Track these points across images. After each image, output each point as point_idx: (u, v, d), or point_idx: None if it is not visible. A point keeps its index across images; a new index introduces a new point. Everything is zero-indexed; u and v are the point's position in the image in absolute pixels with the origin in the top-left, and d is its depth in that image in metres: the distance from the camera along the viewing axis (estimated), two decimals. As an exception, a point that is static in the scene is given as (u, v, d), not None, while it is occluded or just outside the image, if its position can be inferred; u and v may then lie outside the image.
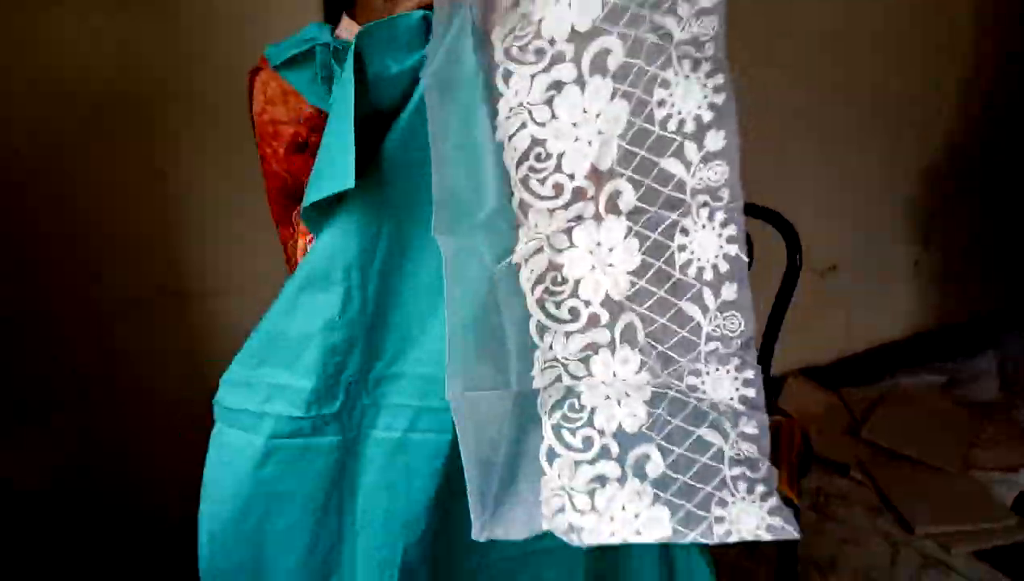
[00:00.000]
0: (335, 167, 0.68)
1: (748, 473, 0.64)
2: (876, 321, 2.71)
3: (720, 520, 0.64)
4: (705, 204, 0.63)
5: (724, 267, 0.64)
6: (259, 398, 0.80)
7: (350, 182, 0.68)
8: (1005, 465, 2.20)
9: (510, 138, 0.65)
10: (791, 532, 0.64)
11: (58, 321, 1.49)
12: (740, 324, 0.65)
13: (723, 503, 0.64)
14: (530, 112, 0.64)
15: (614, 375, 0.65)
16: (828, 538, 1.94)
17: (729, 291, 0.64)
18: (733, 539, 0.64)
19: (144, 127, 1.47)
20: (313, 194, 0.71)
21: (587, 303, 0.67)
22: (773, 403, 2.10)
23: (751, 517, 0.64)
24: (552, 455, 0.67)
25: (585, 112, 0.64)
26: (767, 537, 0.63)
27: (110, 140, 1.44)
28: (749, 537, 0.64)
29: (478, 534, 0.66)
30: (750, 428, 0.64)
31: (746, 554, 1.87)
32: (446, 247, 0.66)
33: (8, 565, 1.55)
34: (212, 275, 1.60)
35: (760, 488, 0.65)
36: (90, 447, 1.58)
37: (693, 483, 0.65)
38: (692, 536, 0.64)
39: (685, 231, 0.64)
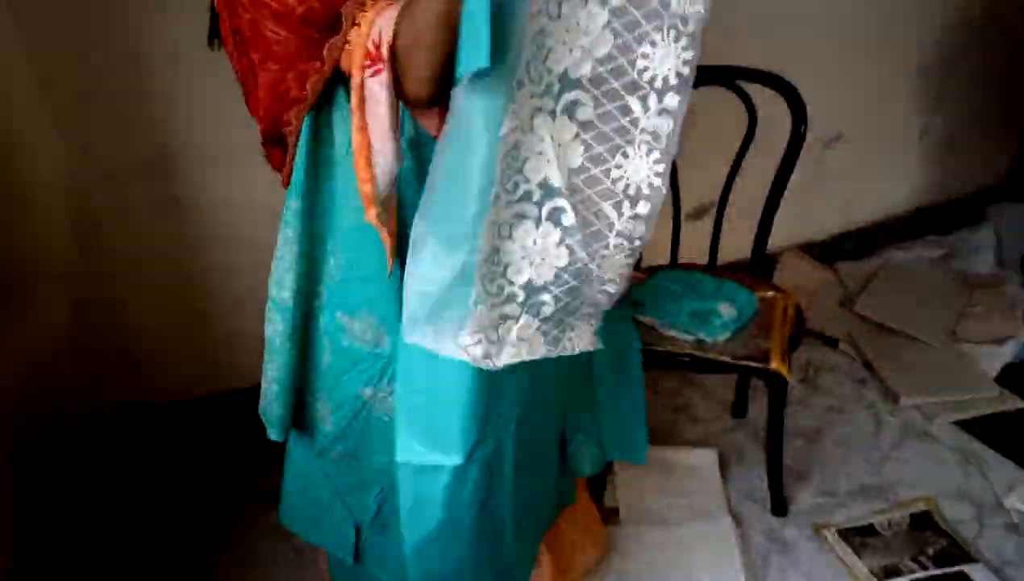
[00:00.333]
0: (473, 42, 0.73)
1: (594, 314, 0.92)
2: (878, 195, 2.66)
3: (571, 340, 0.93)
4: (647, 143, 0.80)
5: (646, 191, 0.82)
6: None
7: (484, 61, 0.73)
8: (993, 337, 2.22)
9: (531, 20, 0.75)
10: (600, 345, 0.95)
11: (40, 196, 1.44)
12: (642, 231, 0.84)
13: (574, 329, 0.92)
14: (547, 4, 0.75)
15: (534, 243, 0.84)
16: (814, 409, 1.98)
17: (643, 208, 0.83)
18: (577, 350, 0.94)
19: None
20: (461, 69, 0.76)
21: (526, 180, 0.81)
22: (767, 278, 2.09)
23: (584, 339, 0.94)
24: (477, 302, 0.84)
25: (578, 25, 0.76)
26: (591, 348, 0.94)
27: (87, 8, 1.34)
28: (585, 349, 0.94)
29: (406, 338, 0.88)
30: (612, 288, 0.88)
31: (736, 426, 1.92)
32: (457, 109, 0.77)
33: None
34: (196, 145, 1.53)
35: (594, 321, 0.94)
36: (76, 322, 1.57)
37: (563, 318, 0.90)
38: (553, 352, 0.91)
39: (626, 155, 0.81)
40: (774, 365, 1.47)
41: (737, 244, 1.80)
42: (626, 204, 0.83)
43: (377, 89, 0.83)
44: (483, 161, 0.78)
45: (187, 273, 1.63)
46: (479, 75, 0.75)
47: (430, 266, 0.83)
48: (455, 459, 0.96)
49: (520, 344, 0.88)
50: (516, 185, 0.81)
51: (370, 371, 1.04)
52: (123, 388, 1.69)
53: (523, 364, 0.91)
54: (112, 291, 1.58)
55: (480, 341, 0.85)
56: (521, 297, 0.86)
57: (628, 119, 0.79)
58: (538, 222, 0.83)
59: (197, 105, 1.50)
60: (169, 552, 1.60)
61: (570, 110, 0.79)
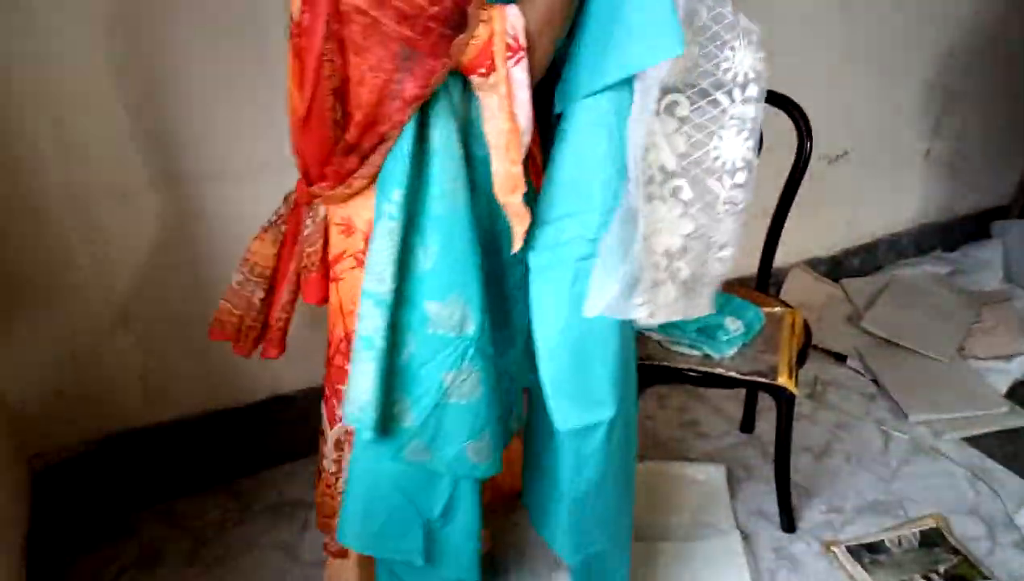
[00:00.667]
0: (653, 32, 0.90)
1: (713, 282, 1.06)
2: (884, 211, 2.67)
3: (698, 306, 1.06)
4: (736, 126, 0.97)
5: (740, 164, 0.99)
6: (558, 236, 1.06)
7: (679, 49, 0.89)
8: (1001, 354, 2.22)
9: None
10: (714, 309, 1.08)
11: (46, 210, 1.45)
12: (743, 197, 1.00)
13: (700, 295, 1.06)
14: None
15: (664, 217, 1.01)
16: (822, 425, 1.98)
17: (739, 177, 0.99)
18: (701, 314, 1.07)
19: (130, 8, 1.38)
20: (640, 60, 0.93)
21: (649, 166, 0.98)
22: (774, 294, 2.09)
23: (705, 303, 1.06)
24: (642, 269, 1.01)
25: None
26: (708, 312, 1.07)
27: (94, 27, 1.35)
28: (704, 313, 1.07)
29: (588, 313, 1.03)
30: (726, 254, 1.04)
31: (743, 441, 1.92)
32: (608, 104, 0.97)
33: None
34: (206, 159, 1.54)
35: (713, 290, 1.07)
36: (85, 336, 1.58)
37: (694, 286, 1.05)
38: (688, 315, 1.05)
39: (720, 137, 0.98)
40: (781, 380, 1.47)
41: (743, 260, 1.78)
42: (726, 177, 1.00)
43: (521, 75, 0.95)
44: (636, 148, 0.96)
45: (196, 287, 1.64)
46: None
47: (612, 244, 1.00)
48: (608, 412, 1.10)
49: (668, 307, 1.04)
50: (646, 172, 0.99)
51: (452, 356, 1.07)
52: (129, 404, 1.69)
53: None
54: (121, 305, 1.59)
55: (645, 303, 1.02)
56: (664, 264, 1.03)
57: (718, 110, 0.97)
58: (664, 199, 1.01)
59: (207, 120, 1.51)
60: (172, 571, 1.60)
61: (670, 109, 0.98)
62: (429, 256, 1.03)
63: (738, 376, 1.48)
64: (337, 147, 1.02)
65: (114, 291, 1.57)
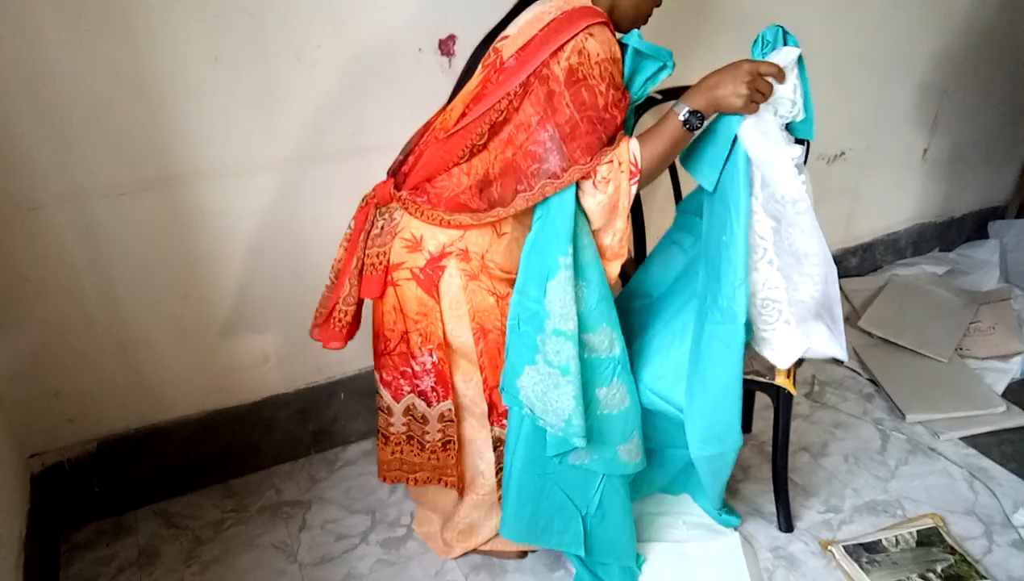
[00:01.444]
0: (708, 168, 1.24)
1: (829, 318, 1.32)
2: (882, 211, 2.67)
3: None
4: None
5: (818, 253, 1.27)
6: None
7: (710, 189, 1.25)
8: (998, 354, 2.22)
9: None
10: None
11: (44, 210, 1.45)
12: (803, 238, 1.25)
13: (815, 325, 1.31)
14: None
15: (765, 276, 1.28)
16: (820, 425, 1.98)
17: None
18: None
19: (124, 7, 1.38)
20: (695, 171, 1.28)
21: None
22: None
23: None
24: (783, 322, 1.31)
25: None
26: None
27: (89, 25, 1.36)
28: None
29: (842, 357, 1.32)
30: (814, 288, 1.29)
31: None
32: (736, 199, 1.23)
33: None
34: (205, 159, 1.54)
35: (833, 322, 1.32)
36: (80, 339, 1.58)
37: (808, 317, 1.30)
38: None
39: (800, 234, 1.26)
40: (779, 380, 1.47)
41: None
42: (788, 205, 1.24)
43: (633, 191, 1.21)
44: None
45: (194, 286, 1.64)
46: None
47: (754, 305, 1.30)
48: (737, 444, 1.38)
49: (825, 342, 1.30)
50: (755, 246, 1.27)
51: (603, 374, 1.30)
52: (127, 404, 1.69)
53: None
54: (119, 305, 1.59)
55: (783, 354, 1.33)
56: (788, 316, 1.29)
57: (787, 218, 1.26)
58: (756, 264, 1.27)
59: (202, 121, 1.51)
60: (170, 570, 1.60)
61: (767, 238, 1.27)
62: (585, 297, 1.24)
63: (736, 376, 1.48)
64: (460, 166, 1.21)
65: (112, 291, 1.57)
